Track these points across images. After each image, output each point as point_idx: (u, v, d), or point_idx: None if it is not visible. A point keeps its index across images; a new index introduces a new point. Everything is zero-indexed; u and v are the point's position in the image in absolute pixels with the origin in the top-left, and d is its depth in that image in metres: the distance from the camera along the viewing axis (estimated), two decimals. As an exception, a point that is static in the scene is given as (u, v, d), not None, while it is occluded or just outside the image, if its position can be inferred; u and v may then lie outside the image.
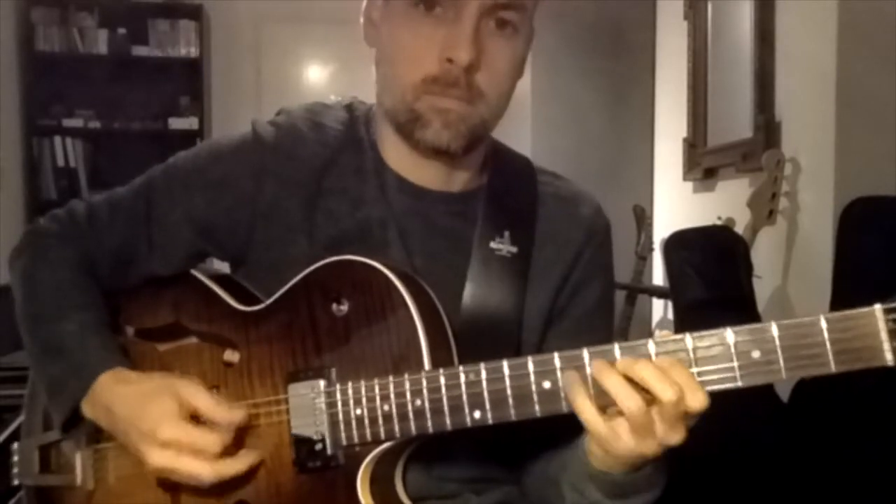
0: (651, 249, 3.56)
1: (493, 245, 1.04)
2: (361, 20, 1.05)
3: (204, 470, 0.91)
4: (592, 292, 1.09)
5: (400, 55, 0.98)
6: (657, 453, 0.81)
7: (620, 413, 0.80)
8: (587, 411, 0.80)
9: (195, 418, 0.93)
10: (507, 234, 1.05)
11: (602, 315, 1.11)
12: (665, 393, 0.76)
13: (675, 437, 0.80)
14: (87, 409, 0.99)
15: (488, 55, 0.95)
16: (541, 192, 1.09)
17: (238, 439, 0.95)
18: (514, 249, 1.04)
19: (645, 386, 0.78)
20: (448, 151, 0.98)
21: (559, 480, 0.97)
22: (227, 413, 0.93)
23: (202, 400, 0.94)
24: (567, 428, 0.88)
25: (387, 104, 1.02)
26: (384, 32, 1.00)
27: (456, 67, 0.94)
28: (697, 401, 0.77)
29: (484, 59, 0.95)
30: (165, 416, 0.92)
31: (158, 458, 0.91)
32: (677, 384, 0.77)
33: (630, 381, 0.78)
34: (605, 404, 0.81)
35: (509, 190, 1.08)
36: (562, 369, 0.82)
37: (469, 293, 1.02)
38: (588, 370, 0.81)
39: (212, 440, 0.91)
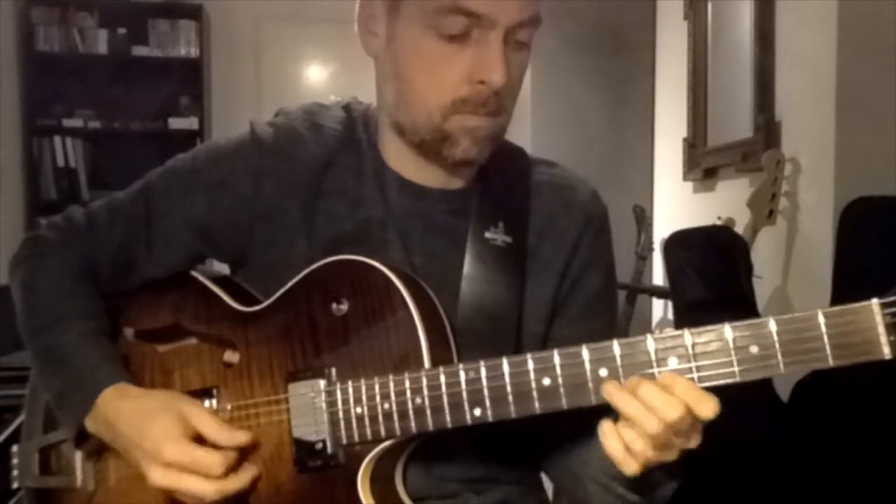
0: (651, 249, 3.56)
1: (487, 235, 1.04)
2: (356, 27, 1.04)
3: (207, 489, 0.91)
4: (594, 280, 1.09)
5: (424, 78, 0.97)
6: (676, 457, 0.83)
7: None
8: (645, 417, 0.80)
9: (198, 437, 0.93)
10: (500, 224, 1.05)
11: (605, 302, 1.11)
12: (670, 413, 0.78)
13: (692, 443, 0.81)
14: (90, 424, 0.99)
15: (510, 72, 0.96)
16: (535, 182, 1.09)
17: None
18: (508, 239, 1.04)
19: (649, 407, 0.79)
20: (474, 163, 1.01)
21: (579, 475, 0.98)
22: (230, 436, 0.93)
23: (206, 422, 0.94)
24: (581, 420, 0.88)
25: (404, 121, 1.01)
26: (399, 52, 0.99)
27: (488, 89, 0.95)
28: (708, 410, 0.78)
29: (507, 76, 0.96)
30: (168, 436, 0.92)
31: (161, 478, 0.92)
32: (682, 400, 0.78)
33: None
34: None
35: (503, 182, 1.08)
36: (561, 366, 0.83)
37: (466, 284, 1.02)
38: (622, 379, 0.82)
39: (215, 462, 0.91)
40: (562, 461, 1.05)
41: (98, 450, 1.03)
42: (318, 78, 5.08)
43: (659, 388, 0.79)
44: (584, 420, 0.91)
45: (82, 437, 1.01)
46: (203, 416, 0.94)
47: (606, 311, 1.11)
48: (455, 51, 0.95)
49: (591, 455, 0.95)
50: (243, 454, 0.95)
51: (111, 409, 0.97)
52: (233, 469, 0.93)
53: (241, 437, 0.94)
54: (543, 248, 1.06)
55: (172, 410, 0.94)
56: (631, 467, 0.82)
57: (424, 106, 0.98)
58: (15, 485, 1.14)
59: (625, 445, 0.81)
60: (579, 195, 1.10)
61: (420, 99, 0.98)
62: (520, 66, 0.99)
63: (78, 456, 1.06)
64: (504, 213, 1.06)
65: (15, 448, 1.14)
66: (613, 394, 0.81)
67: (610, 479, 0.92)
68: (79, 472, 1.06)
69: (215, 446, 0.93)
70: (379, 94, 1.06)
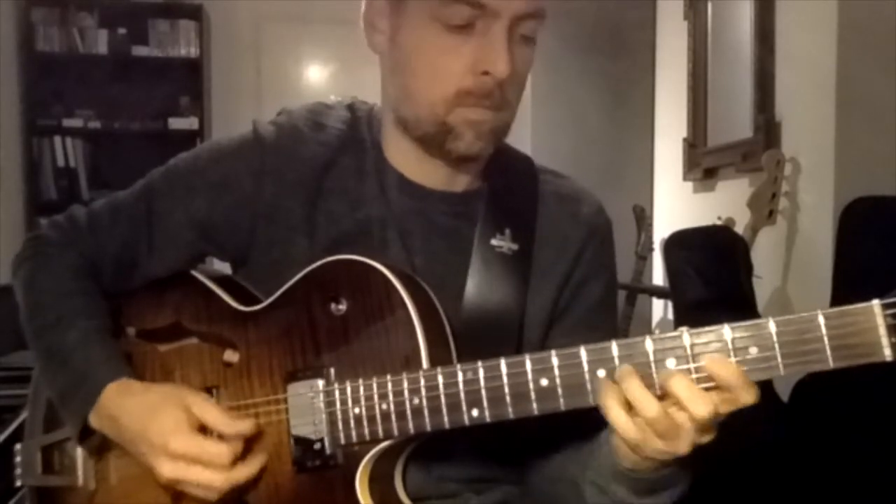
0: (651, 249, 3.57)
1: (493, 242, 1.04)
2: (361, 24, 1.04)
3: (216, 479, 0.91)
4: (594, 290, 1.09)
5: (428, 69, 0.97)
6: (688, 451, 0.80)
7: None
8: (615, 413, 0.79)
9: (203, 428, 0.94)
10: (507, 231, 1.05)
11: (604, 313, 1.11)
12: (699, 411, 0.76)
13: (707, 437, 0.80)
14: (94, 420, 0.99)
15: (514, 64, 0.96)
16: (542, 191, 1.10)
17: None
18: (514, 247, 1.04)
19: (678, 402, 0.77)
20: (477, 159, 1.00)
21: (578, 481, 0.97)
22: (235, 425, 0.94)
23: (210, 412, 0.94)
24: (577, 425, 0.87)
25: (407, 115, 1.01)
26: (404, 44, 0.99)
27: (492, 80, 0.95)
28: (751, 396, 0.76)
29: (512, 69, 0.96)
30: (174, 428, 0.92)
31: (170, 470, 0.92)
32: (713, 398, 0.76)
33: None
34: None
35: (510, 189, 1.08)
36: (559, 367, 0.82)
37: (470, 290, 1.02)
38: (616, 371, 0.80)
39: (222, 452, 0.91)
40: (555, 466, 1.03)
41: (100, 449, 1.04)
42: (318, 78, 5.08)
43: (689, 386, 0.77)
44: (577, 425, 0.90)
45: (86, 434, 1.01)
46: (207, 406, 0.95)
47: (605, 323, 1.10)
48: (459, 42, 0.95)
49: (590, 458, 0.94)
50: (247, 444, 0.95)
51: (115, 404, 0.97)
52: (239, 459, 0.93)
53: (245, 426, 0.94)
54: (545, 257, 1.06)
55: (177, 402, 0.94)
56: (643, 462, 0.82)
57: (428, 98, 0.97)
58: (17, 483, 1.14)
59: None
60: (584, 207, 1.10)
61: (424, 91, 0.98)
62: (524, 61, 0.99)
63: (79, 455, 1.06)
64: (511, 220, 1.06)
65: (17, 446, 1.14)
66: (624, 376, 0.79)
67: (610, 482, 0.90)
68: (80, 471, 1.06)
69: (220, 437, 0.93)
70: (383, 90, 1.06)
